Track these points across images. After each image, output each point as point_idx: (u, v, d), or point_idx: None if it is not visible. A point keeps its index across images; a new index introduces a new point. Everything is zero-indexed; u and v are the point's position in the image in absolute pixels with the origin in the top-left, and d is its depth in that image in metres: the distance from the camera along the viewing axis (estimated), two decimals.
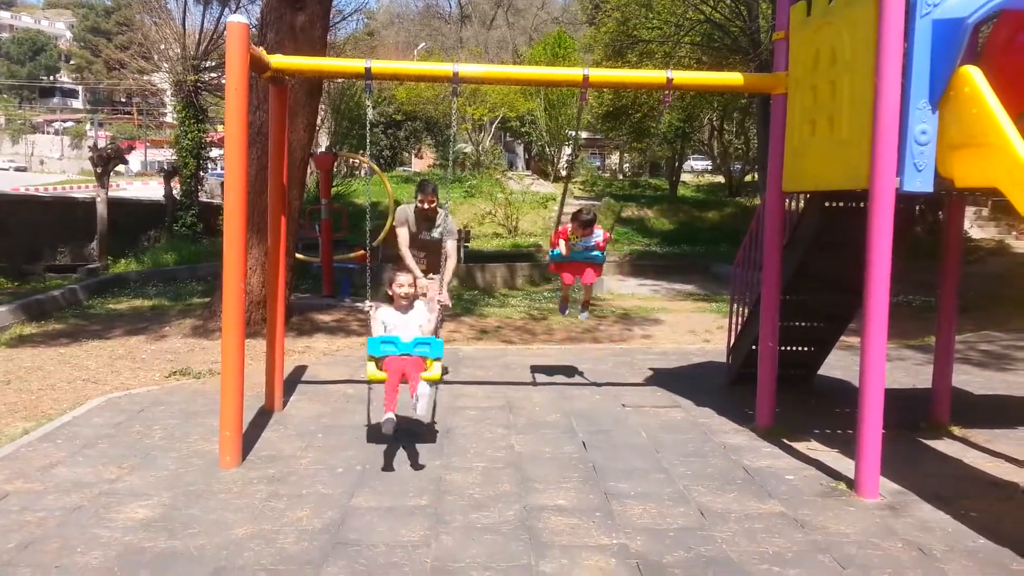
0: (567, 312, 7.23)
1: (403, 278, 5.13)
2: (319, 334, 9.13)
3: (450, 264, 6.39)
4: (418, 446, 5.21)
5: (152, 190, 29.12)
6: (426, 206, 6.57)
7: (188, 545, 3.71)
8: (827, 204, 5.80)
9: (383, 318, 5.11)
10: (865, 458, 4.46)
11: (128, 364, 7.50)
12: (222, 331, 4.88)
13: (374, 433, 5.47)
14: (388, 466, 4.82)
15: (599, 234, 6.59)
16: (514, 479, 4.65)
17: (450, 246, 6.38)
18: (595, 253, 6.60)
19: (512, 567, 3.54)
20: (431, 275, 6.58)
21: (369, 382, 5.03)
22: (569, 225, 6.58)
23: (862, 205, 5.32)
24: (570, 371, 7.45)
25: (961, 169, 4.24)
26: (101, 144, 20.99)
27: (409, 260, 6.64)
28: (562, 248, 6.55)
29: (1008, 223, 19.26)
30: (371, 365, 4.93)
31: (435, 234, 6.61)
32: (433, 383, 5.05)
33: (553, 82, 6.50)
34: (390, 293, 5.19)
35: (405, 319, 5.12)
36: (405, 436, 5.44)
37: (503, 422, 5.81)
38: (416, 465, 4.84)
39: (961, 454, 5.28)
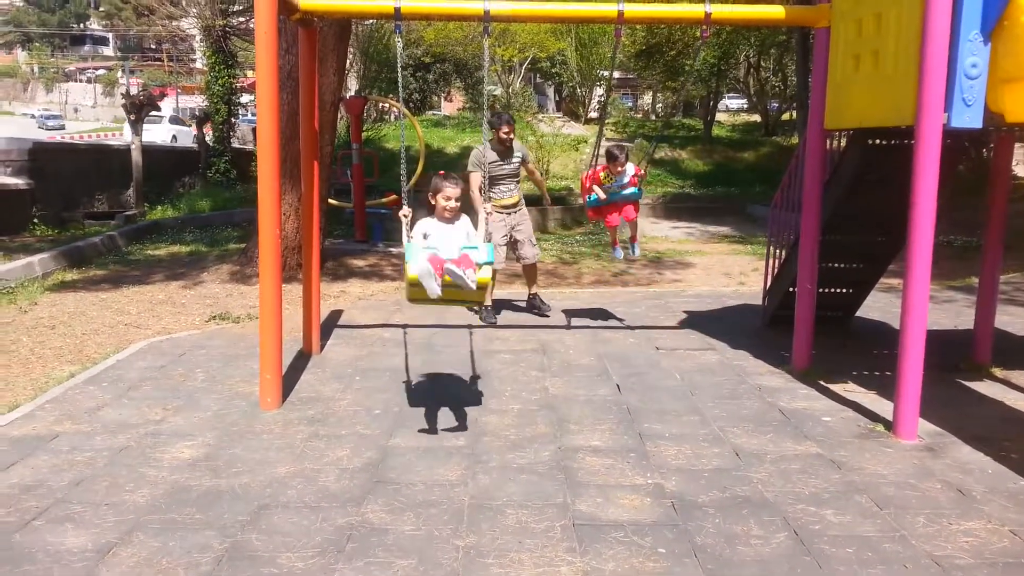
0: (621, 254, 7.14)
1: (451, 190, 4.37)
2: (353, 279, 9.20)
3: (538, 177, 7.65)
4: (454, 389, 5.26)
5: (182, 136, 29.26)
6: (505, 136, 7.00)
7: (232, 483, 3.81)
8: (870, 142, 5.64)
9: (424, 228, 4.33)
10: (904, 399, 4.42)
11: (168, 309, 7.64)
12: (259, 276, 4.93)
13: (411, 375, 5.53)
14: (425, 408, 4.88)
15: (631, 169, 6.48)
16: (549, 421, 4.69)
17: (532, 167, 7.45)
18: (631, 191, 6.50)
19: (547, 505, 3.59)
20: (519, 206, 7.18)
21: (410, 295, 4.21)
22: (599, 168, 6.50)
23: (907, 143, 5.18)
24: (603, 314, 7.44)
25: (1013, 104, 4.07)
26: (134, 91, 21.06)
27: (480, 205, 6.59)
28: (598, 192, 6.46)
29: None
30: (412, 266, 4.05)
31: (515, 161, 7.09)
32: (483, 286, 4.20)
33: (587, 19, 6.36)
34: (433, 203, 4.44)
35: (449, 230, 4.37)
36: (440, 380, 5.50)
37: (537, 365, 5.84)
38: (452, 408, 4.89)
39: (1002, 395, 5.21)
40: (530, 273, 7.48)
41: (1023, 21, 3.92)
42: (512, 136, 7.08)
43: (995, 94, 4.12)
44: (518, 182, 7.17)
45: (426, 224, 4.38)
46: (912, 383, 4.39)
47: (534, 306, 7.47)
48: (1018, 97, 4.03)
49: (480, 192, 6.74)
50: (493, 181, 6.92)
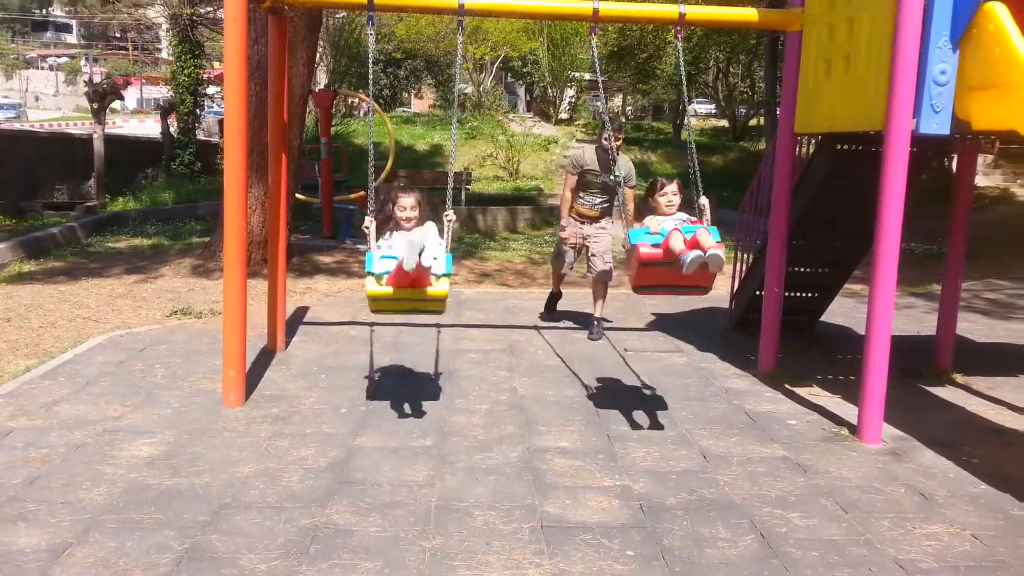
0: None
1: (405, 199, 4.41)
2: (320, 275, 9.09)
3: (630, 208, 6.14)
4: (421, 388, 5.21)
5: (148, 127, 28.74)
6: (612, 144, 5.78)
7: (193, 483, 3.72)
8: (839, 147, 5.70)
9: (390, 241, 4.29)
10: (868, 403, 4.46)
11: (128, 303, 7.47)
12: (224, 270, 4.84)
13: (378, 375, 5.47)
14: (392, 407, 4.81)
15: (681, 215, 4.55)
16: (517, 421, 4.65)
17: (629, 194, 6.31)
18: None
19: (516, 507, 3.56)
20: (602, 222, 6.59)
21: (372, 307, 4.26)
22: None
23: (874, 149, 5.23)
24: (572, 315, 7.42)
25: (980, 111, 4.13)
26: (97, 80, 20.61)
27: (565, 210, 6.57)
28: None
29: (1014, 171, 19.06)
30: (370, 281, 4.12)
31: (615, 177, 6.14)
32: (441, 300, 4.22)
33: (562, 15, 6.31)
34: (393, 217, 4.46)
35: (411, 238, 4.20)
36: (408, 379, 5.44)
37: (506, 365, 5.81)
38: (419, 407, 4.83)
39: (963, 401, 5.29)
40: (595, 289, 6.71)
41: (990, 29, 3.98)
42: (616, 146, 5.91)
43: (963, 101, 4.18)
44: (611, 200, 6.55)
45: (393, 238, 4.31)
46: (876, 387, 4.43)
47: (591, 328, 6.70)
48: (985, 105, 4.09)
49: (571, 194, 6.50)
50: (583, 186, 6.49)
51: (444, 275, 4.18)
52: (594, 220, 6.58)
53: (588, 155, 6.48)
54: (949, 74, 4.17)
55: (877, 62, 4.40)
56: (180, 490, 3.64)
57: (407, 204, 4.39)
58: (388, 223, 4.49)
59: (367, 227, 4.29)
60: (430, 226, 4.40)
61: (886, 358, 4.42)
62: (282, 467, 3.92)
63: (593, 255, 6.60)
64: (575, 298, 8.29)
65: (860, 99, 4.60)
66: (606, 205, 6.62)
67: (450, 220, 4.46)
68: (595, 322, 6.71)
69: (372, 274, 4.13)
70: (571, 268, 6.94)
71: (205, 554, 3.10)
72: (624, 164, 6.29)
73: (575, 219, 6.62)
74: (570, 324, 7.11)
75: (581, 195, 6.55)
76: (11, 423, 4.36)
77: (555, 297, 7.29)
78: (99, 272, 8.88)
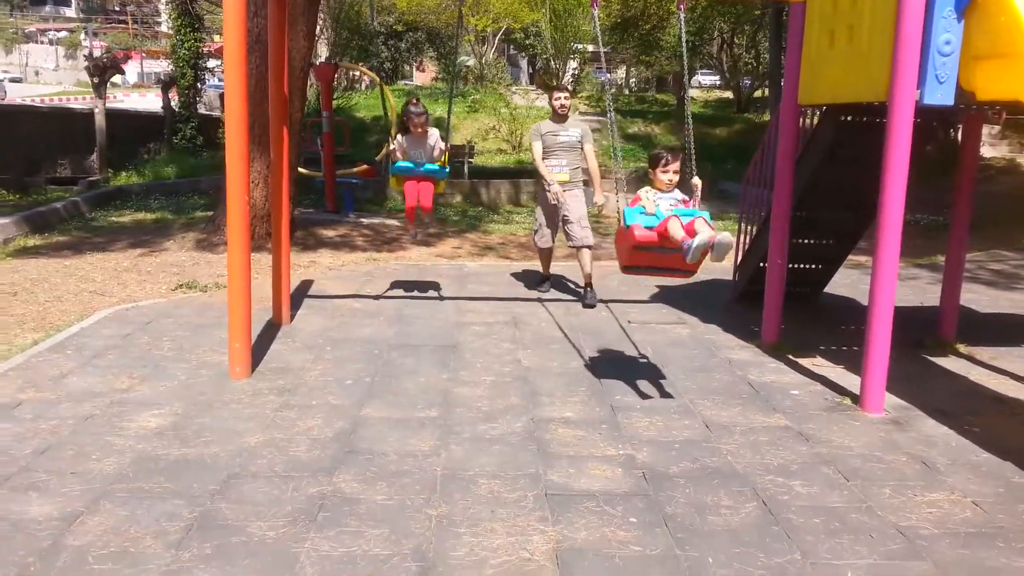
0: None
1: (416, 115, 6.16)
2: (324, 249, 9.10)
3: (593, 165, 6.88)
4: (426, 360, 5.24)
5: (149, 102, 28.61)
6: (561, 103, 6.75)
7: (201, 453, 3.77)
8: (842, 119, 5.67)
9: (403, 142, 6.24)
10: (871, 373, 4.48)
11: (134, 276, 7.50)
12: (228, 244, 4.85)
13: (382, 346, 5.50)
14: (397, 379, 4.85)
15: (678, 193, 4.47)
16: (522, 392, 4.69)
17: (588, 149, 6.84)
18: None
19: (520, 475, 3.60)
20: (574, 189, 6.82)
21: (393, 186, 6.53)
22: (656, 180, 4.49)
23: (878, 120, 5.21)
24: (575, 288, 7.44)
25: (984, 81, 4.10)
26: (97, 54, 20.50)
27: (544, 171, 6.79)
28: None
29: (1020, 141, 18.93)
30: (393, 180, 6.48)
31: (570, 137, 6.74)
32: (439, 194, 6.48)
33: None
34: (407, 124, 6.21)
35: (419, 141, 6.23)
36: (412, 351, 5.48)
37: (509, 337, 5.84)
38: (424, 379, 4.87)
39: (966, 371, 5.31)
40: (580, 258, 6.84)
41: None
42: (566, 106, 6.77)
43: (967, 72, 4.15)
44: (573, 163, 6.77)
45: (403, 140, 6.23)
46: (879, 358, 4.45)
47: (583, 295, 6.90)
48: (989, 75, 4.06)
49: (541, 160, 6.79)
50: (547, 153, 6.76)
51: (442, 179, 6.34)
52: (564, 185, 6.74)
53: (543, 127, 6.85)
54: (954, 44, 4.13)
55: (881, 32, 4.36)
56: (189, 460, 3.69)
57: (418, 118, 6.19)
58: (404, 130, 6.27)
59: (395, 147, 6.29)
60: (433, 131, 6.28)
61: (889, 328, 4.44)
62: (289, 437, 3.97)
63: (571, 223, 6.79)
64: (576, 270, 8.29)
65: (864, 70, 4.57)
66: (575, 167, 6.81)
67: (443, 150, 6.29)
68: (586, 287, 6.91)
69: (395, 176, 6.40)
70: (553, 240, 7.11)
71: (215, 522, 3.15)
72: (576, 123, 6.91)
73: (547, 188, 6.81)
74: (573, 297, 7.13)
75: (547, 162, 6.77)
76: (20, 395, 4.41)
77: (546, 279, 7.36)
78: (104, 246, 8.90)
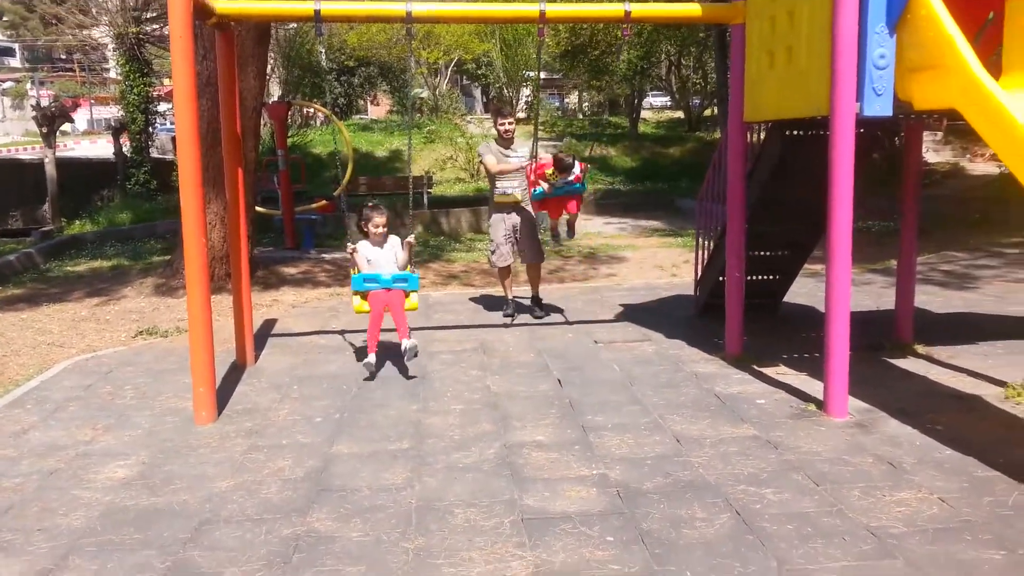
0: (557, 244, 7.77)
1: (378, 218, 5.67)
2: (286, 287, 9.04)
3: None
4: (395, 391, 5.23)
5: (100, 148, 28.24)
6: (506, 128, 6.97)
7: (171, 501, 3.70)
8: (788, 133, 5.83)
9: (366, 254, 5.70)
10: (833, 379, 4.58)
11: (92, 326, 7.38)
12: (187, 287, 4.80)
13: (350, 382, 5.47)
14: (367, 413, 4.83)
15: (576, 168, 6.71)
16: (492, 419, 4.70)
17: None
18: (576, 185, 6.74)
19: (496, 502, 3.60)
20: (521, 206, 7.01)
21: (357, 309, 5.66)
22: (545, 162, 6.66)
23: (822, 133, 5.36)
24: (541, 310, 7.48)
25: (919, 92, 4.27)
26: (44, 103, 20.23)
27: (502, 165, 6.89)
28: (544, 187, 6.64)
29: (962, 146, 19.52)
30: (356, 299, 5.61)
31: (523, 159, 6.83)
32: (412, 310, 5.77)
33: (509, 19, 6.41)
34: (365, 230, 5.72)
35: (382, 253, 5.73)
36: (381, 384, 5.46)
37: (478, 364, 5.85)
38: (394, 411, 4.85)
39: (925, 371, 5.44)
40: (531, 273, 7.35)
41: (923, 14, 4.12)
42: (511, 130, 7.01)
43: (903, 83, 4.32)
44: (523, 184, 6.92)
45: (364, 248, 5.71)
46: (840, 363, 4.55)
47: (532, 308, 7.34)
48: (924, 86, 4.23)
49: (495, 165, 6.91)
50: (497, 176, 6.94)
51: (414, 291, 5.63)
52: (516, 206, 6.99)
53: (493, 146, 7.04)
54: (888, 58, 4.30)
55: (819, 49, 4.52)
56: (158, 509, 3.62)
57: (380, 222, 5.69)
58: (361, 233, 5.79)
59: (351, 251, 5.69)
60: (394, 239, 5.78)
61: (847, 333, 4.54)
62: (259, 480, 3.92)
63: (524, 239, 7.09)
64: (540, 293, 8.35)
65: (803, 86, 4.73)
66: (523, 188, 6.96)
67: (411, 243, 5.77)
68: (535, 303, 7.35)
69: (358, 293, 5.58)
70: (511, 258, 7.22)
71: (188, 571, 3.09)
72: (522, 145, 7.11)
73: (497, 214, 7.08)
74: (538, 320, 7.17)
75: (498, 186, 6.98)
76: None
77: (509, 302, 7.41)
78: (60, 297, 8.74)
